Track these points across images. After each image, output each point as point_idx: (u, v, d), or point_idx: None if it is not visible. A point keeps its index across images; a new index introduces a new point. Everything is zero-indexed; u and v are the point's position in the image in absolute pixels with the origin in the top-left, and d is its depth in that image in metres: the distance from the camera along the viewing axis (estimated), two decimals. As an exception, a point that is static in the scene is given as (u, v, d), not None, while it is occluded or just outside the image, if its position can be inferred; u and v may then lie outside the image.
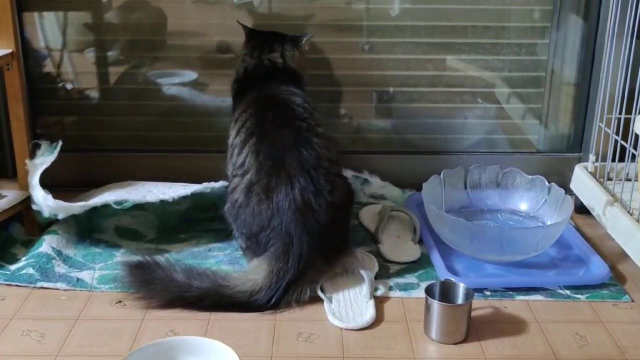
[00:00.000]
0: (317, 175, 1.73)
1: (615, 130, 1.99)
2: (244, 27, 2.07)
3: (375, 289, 1.74)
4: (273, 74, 1.98)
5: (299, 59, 2.05)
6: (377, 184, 2.24)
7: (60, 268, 1.80)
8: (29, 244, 1.91)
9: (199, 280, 1.64)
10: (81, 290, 1.72)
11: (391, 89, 2.33)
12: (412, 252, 1.92)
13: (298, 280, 1.66)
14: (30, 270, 1.76)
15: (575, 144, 2.33)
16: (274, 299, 1.64)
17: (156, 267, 1.67)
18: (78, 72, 2.31)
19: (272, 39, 2.04)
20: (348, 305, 1.67)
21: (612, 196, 1.94)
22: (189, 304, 1.63)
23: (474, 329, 1.59)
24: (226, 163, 1.88)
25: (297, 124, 1.81)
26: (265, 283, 1.64)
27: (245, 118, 1.85)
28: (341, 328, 1.59)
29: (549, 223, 1.95)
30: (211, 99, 2.34)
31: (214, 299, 1.63)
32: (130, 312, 1.64)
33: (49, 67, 2.28)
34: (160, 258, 1.71)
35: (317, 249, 1.69)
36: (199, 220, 2.05)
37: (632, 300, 1.72)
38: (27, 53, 2.21)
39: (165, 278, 1.65)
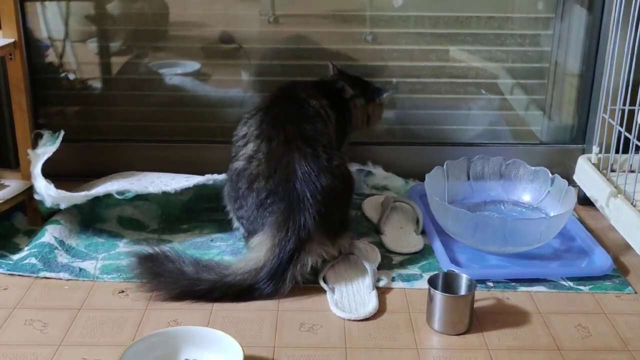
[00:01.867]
0: (315, 144, 1.75)
1: (619, 122, 1.98)
2: (334, 66, 2.11)
3: (378, 280, 1.73)
4: (334, 94, 2.02)
5: (374, 109, 2.11)
6: (380, 175, 2.24)
7: (62, 258, 1.80)
8: (31, 233, 1.91)
9: (207, 273, 1.64)
10: (84, 280, 1.73)
11: (394, 80, 2.33)
12: (414, 243, 1.91)
13: (300, 250, 1.65)
14: (33, 260, 1.76)
15: (579, 135, 2.33)
16: (278, 271, 1.63)
17: (166, 260, 1.66)
18: (80, 62, 2.30)
19: (358, 80, 2.10)
20: (351, 295, 1.67)
21: (616, 188, 1.93)
22: (199, 297, 1.62)
23: (476, 320, 1.59)
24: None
25: (304, 114, 1.84)
26: (267, 257, 1.64)
27: (263, 100, 1.93)
28: (344, 319, 1.59)
29: (552, 214, 1.95)
30: (214, 89, 2.33)
31: (222, 290, 1.62)
32: (133, 302, 1.64)
33: (51, 57, 2.28)
34: (170, 250, 1.71)
35: (317, 219, 1.68)
36: (201, 211, 2.05)
37: (635, 292, 1.72)
38: (29, 43, 2.21)
39: (176, 271, 1.64)
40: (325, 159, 1.75)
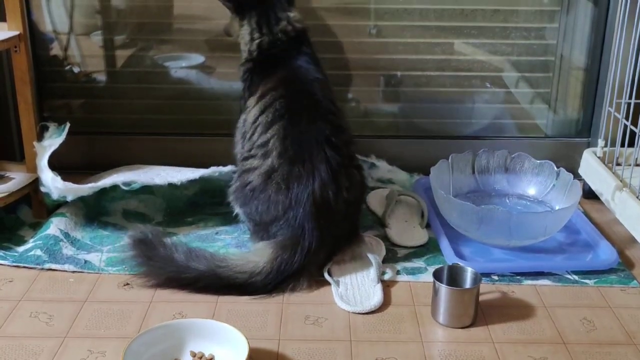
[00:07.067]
0: (339, 174, 1.71)
1: (624, 115, 1.98)
2: (225, 2, 1.89)
3: (383, 273, 1.73)
4: (291, 46, 1.87)
5: None
6: (384, 168, 2.24)
7: (68, 250, 1.80)
8: (36, 226, 1.91)
9: (197, 262, 1.64)
10: (89, 273, 1.73)
11: (399, 73, 2.32)
12: (419, 236, 1.91)
13: (301, 271, 1.66)
14: (38, 252, 1.77)
15: (584, 128, 2.32)
16: (270, 286, 1.63)
17: (159, 245, 1.66)
18: (85, 55, 2.30)
19: (270, 6, 1.86)
20: (355, 288, 1.67)
21: (621, 181, 1.93)
22: (184, 285, 1.63)
23: (481, 313, 1.59)
24: (236, 143, 1.85)
25: (328, 117, 1.77)
26: (265, 268, 1.64)
27: (274, 97, 1.78)
28: (348, 312, 1.59)
29: (557, 208, 1.94)
30: (218, 82, 2.33)
31: (208, 280, 1.62)
32: (138, 294, 1.64)
33: (56, 50, 2.28)
34: (166, 236, 1.71)
35: (325, 244, 1.69)
36: (206, 205, 2.05)
37: (640, 286, 1.72)
38: (34, 36, 2.21)
39: (166, 257, 1.64)
40: (346, 188, 1.72)
